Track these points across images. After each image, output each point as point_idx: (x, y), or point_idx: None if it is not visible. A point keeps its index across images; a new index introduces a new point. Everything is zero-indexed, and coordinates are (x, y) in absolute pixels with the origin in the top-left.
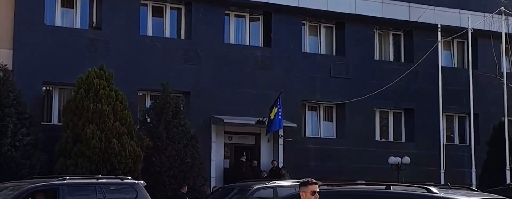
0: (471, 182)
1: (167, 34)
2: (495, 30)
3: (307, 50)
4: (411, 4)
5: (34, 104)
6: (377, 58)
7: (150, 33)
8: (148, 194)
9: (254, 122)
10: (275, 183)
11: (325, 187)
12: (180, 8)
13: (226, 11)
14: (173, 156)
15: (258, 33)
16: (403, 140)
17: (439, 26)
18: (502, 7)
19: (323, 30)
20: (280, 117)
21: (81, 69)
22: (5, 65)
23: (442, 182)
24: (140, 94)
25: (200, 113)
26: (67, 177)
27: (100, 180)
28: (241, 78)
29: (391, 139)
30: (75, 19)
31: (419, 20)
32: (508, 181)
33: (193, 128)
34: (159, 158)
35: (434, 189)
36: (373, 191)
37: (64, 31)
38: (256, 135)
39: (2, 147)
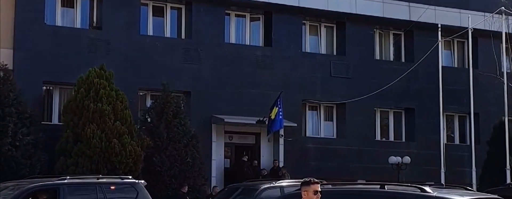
0: (472, 181)
1: (167, 33)
2: (496, 30)
3: (308, 50)
4: (411, 4)
5: (35, 103)
6: (378, 58)
7: (150, 32)
8: (148, 194)
9: (254, 122)
10: (282, 182)
11: (330, 186)
12: (181, 8)
13: (226, 11)
14: (173, 156)
15: (258, 33)
16: (404, 140)
17: (439, 26)
18: (503, 7)
19: (323, 30)
20: (281, 117)
21: (82, 69)
22: (6, 64)
23: (443, 181)
24: (141, 94)
25: (201, 112)
26: (68, 177)
27: (100, 180)
28: (241, 78)
29: (391, 138)
30: (76, 18)
31: (419, 20)
32: (508, 181)
33: (193, 128)
34: (159, 158)
35: (427, 189)
36: (368, 191)
37: (65, 31)
38: (256, 134)
39: (2, 147)
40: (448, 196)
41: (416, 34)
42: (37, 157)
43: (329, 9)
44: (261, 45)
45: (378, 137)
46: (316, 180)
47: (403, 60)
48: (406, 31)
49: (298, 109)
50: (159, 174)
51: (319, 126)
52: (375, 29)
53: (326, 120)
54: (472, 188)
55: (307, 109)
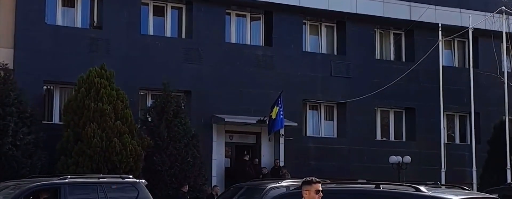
0: (472, 181)
1: (168, 33)
2: (496, 29)
3: (308, 50)
4: (412, 4)
5: (35, 103)
6: (378, 58)
7: (151, 32)
8: (149, 193)
9: (255, 121)
10: (288, 182)
11: (333, 185)
12: (181, 7)
13: (227, 10)
14: (174, 155)
15: (259, 33)
16: (404, 139)
17: (440, 25)
18: (503, 7)
19: (324, 30)
20: (281, 116)
21: (82, 68)
22: (6, 64)
23: (443, 181)
24: (141, 93)
25: (201, 112)
26: (69, 176)
27: (101, 179)
28: (242, 77)
29: (392, 138)
30: (76, 18)
31: (420, 20)
32: (508, 180)
33: (194, 127)
34: (160, 157)
35: (422, 188)
36: (363, 190)
37: (65, 30)
38: (257, 134)
39: (3, 146)
40: (442, 196)
41: (417, 33)
42: (37, 156)
43: (329, 9)
44: (261, 44)
45: (378, 137)
46: (318, 180)
47: (403, 60)
48: (407, 30)
49: (298, 109)
50: (160, 174)
51: (319, 125)
52: (375, 29)
53: (326, 120)
54: (472, 187)
55: (307, 108)
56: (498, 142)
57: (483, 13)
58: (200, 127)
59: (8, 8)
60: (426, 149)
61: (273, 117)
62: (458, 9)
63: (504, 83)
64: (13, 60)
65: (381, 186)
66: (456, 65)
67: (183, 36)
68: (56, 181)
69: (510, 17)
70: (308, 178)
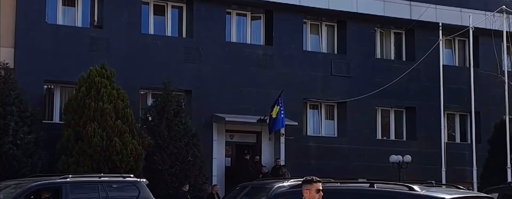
0: (472, 180)
1: (168, 32)
2: (496, 28)
3: (309, 49)
4: (412, 3)
5: (36, 102)
6: (379, 57)
7: (151, 31)
8: (150, 192)
9: (255, 121)
10: (295, 181)
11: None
12: (182, 7)
13: (227, 10)
14: (174, 155)
15: (259, 32)
16: (405, 139)
17: (440, 24)
18: (503, 6)
19: (324, 29)
20: (282, 116)
21: (83, 67)
22: (7, 63)
23: (444, 180)
24: (142, 92)
25: (202, 111)
26: (70, 175)
27: (102, 178)
28: (242, 76)
29: (392, 137)
30: (77, 17)
31: (420, 19)
32: (509, 179)
33: (194, 127)
34: (160, 157)
35: (415, 187)
36: (357, 189)
37: (66, 30)
38: (257, 133)
39: (3, 146)
40: (435, 195)
41: (417, 33)
42: (38, 155)
43: (330, 8)
44: (262, 44)
45: (379, 136)
46: (318, 179)
47: (404, 59)
48: (407, 30)
49: (299, 108)
50: (160, 173)
51: (320, 124)
52: (376, 28)
53: (327, 119)
54: (473, 186)
55: (308, 107)
56: (498, 141)
57: (483, 12)
58: (201, 126)
59: (9, 7)
60: (427, 148)
61: (274, 116)
62: (458, 9)
63: (505, 82)
64: (14, 59)
65: (375, 185)
66: (457, 65)
67: (184, 35)
68: (57, 180)
69: (510, 16)
70: (308, 177)
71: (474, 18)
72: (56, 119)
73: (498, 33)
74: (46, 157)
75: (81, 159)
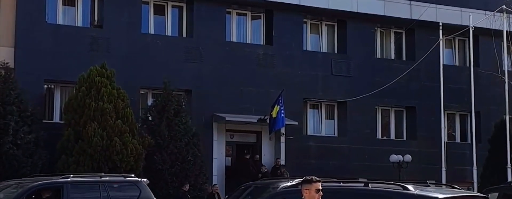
0: (473, 180)
1: (168, 32)
2: (497, 28)
3: (309, 48)
4: (412, 2)
5: (36, 102)
6: (379, 56)
7: (151, 31)
8: (151, 192)
9: (255, 120)
10: (299, 181)
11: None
12: (182, 6)
13: (227, 9)
14: (174, 154)
15: (259, 31)
16: (405, 138)
17: (440, 24)
18: (504, 5)
19: (324, 28)
20: (282, 115)
21: (83, 67)
22: (7, 63)
23: (444, 180)
24: (142, 92)
25: (202, 111)
26: (71, 175)
27: (103, 178)
28: (242, 76)
29: (392, 137)
30: (77, 17)
31: (420, 18)
32: (509, 179)
33: (194, 126)
34: (160, 156)
35: (410, 187)
36: (351, 188)
37: (66, 29)
38: (257, 133)
39: (3, 145)
40: (428, 194)
41: (417, 32)
42: (38, 155)
43: (330, 8)
44: (262, 43)
45: (379, 135)
46: (318, 179)
47: (404, 58)
48: (407, 29)
49: (299, 107)
50: (160, 173)
51: (320, 124)
52: (376, 28)
53: (327, 118)
54: (473, 186)
55: (308, 107)
56: (498, 140)
57: (483, 12)
58: (201, 126)
59: (9, 7)
60: (427, 147)
61: (274, 115)
62: (458, 8)
63: (505, 82)
64: (14, 59)
65: (370, 185)
66: (457, 64)
67: (184, 35)
68: (59, 180)
69: (510, 16)
70: (308, 177)
71: (474, 18)
72: (56, 118)
73: (498, 33)
74: (46, 157)
75: (81, 158)
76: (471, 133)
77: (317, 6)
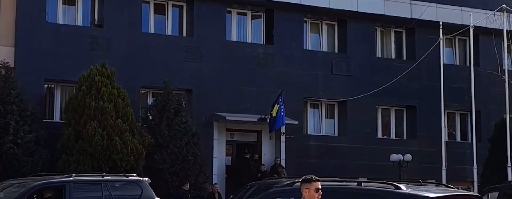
0: (473, 179)
1: (169, 31)
2: (497, 27)
3: (309, 48)
4: (413, 2)
5: (36, 101)
6: (379, 56)
7: (152, 30)
8: (152, 191)
9: (256, 119)
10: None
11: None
12: (182, 6)
13: (228, 9)
14: (175, 154)
15: (260, 31)
16: (405, 137)
17: (441, 23)
18: (504, 5)
19: (325, 28)
20: (282, 114)
21: (83, 66)
22: (7, 62)
23: (444, 179)
24: (142, 91)
25: (202, 110)
26: (73, 174)
27: (106, 177)
28: (243, 75)
29: (392, 136)
30: (77, 16)
31: (421, 18)
32: (509, 178)
33: (195, 126)
34: (161, 156)
35: (401, 186)
36: (343, 187)
37: (66, 29)
38: (258, 132)
39: (4, 145)
40: (419, 193)
41: (418, 32)
42: (38, 154)
43: (330, 7)
44: (262, 43)
45: (379, 135)
46: (318, 178)
47: (404, 58)
48: (408, 29)
49: (299, 107)
50: (161, 172)
51: (320, 123)
52: (376, 27)
53: (327, 118)
54: (473, 185)
55: (308, 106)
56: (499, 140)
57: (484, 11)
58: (201, 125)
59: (9, 6)
60: (427, 147)
61: (274, 114)
62: (459, 7)
63: (505, 81)
64: (14, 58)
65: (362, 184)
66: (457, 64)
67: (184, 34)
68: (62, 179)
69: (511, 15)
70: (307, 176)
71: (474, 17)
72: (57, 118)
73: (499, 32)
74: (46, 156)
75: (81, 158)
76: (472, 132)
77: (317, 5)
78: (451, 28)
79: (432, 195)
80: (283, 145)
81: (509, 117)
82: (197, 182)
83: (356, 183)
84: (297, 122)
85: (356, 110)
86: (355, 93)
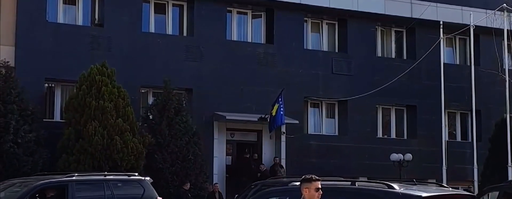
0: (473, 178)
1: (169, 31)
2: (497, 27)
3: (309, 47)
4: (413, 1)
5: (36, 100)
6: (379, 55)
7: (152, 30)
8: (154, 190)
9: (256, 119)
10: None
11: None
12: (182, 5)
13: (228, 8)
14: (175, 153)
15: (260, 30)
16: (405, 137)
17: (441, 23)
18: (504, 4)
19: (325, 27)
20: (282, 113)
21: (83, 66)
22: (7, 62)
23: (444, 178)
24: (142, 91)
25: (202, 109)
26: (76, 174)
27: (108, 177)
28: (243, 75)
29: (393, 135)
30: (77, 16)
31: (421, 17)
32: (510, 178)
33: (195, 125)
34: (161, 155)
35: (395, 185)
36: (337, 187)
37: (66, 28)
38: (258, 131)
39: (4, 144)
40: (412, 193)
41: (418, 31)
42: (39, 154)
43: (330, 6)
44: (263, 42)
45: (379, 134)
46: (318, 177)
47: (405, 57)
48: (408, 28)
49: (299, 106)
50: (161, 171)
51: (320, 123)
52: (377, 26)
53: (327, 117)
54: (473, 185)
55: (308, 106)
56: (499, 139)
57: (484, 10)
58: (201, 124)
59: (9, 6)
60: (427, 146)
61: (274, 114)
62: (459, 7)
63: (506, 80)
64: (14, 58)
65: (356, 183)
66: (457, 63)
67: (184, 34)
68: (64, 178)
69: (511, 14)
70: (307, 176)
71: (474, 17)
72: (57, 117)
73: (499, 32)
74: (47, 156)
75: (82, 157)
76: (472, 132)
77: (317, 5)
78: (451, 28)
79: (424, 194)
80: (283, 144)
81: (510, 116)
82: (197, 182)
83: (350, 183)
84: (297, 122)
85: (356, 110)
86: (356, 92)
